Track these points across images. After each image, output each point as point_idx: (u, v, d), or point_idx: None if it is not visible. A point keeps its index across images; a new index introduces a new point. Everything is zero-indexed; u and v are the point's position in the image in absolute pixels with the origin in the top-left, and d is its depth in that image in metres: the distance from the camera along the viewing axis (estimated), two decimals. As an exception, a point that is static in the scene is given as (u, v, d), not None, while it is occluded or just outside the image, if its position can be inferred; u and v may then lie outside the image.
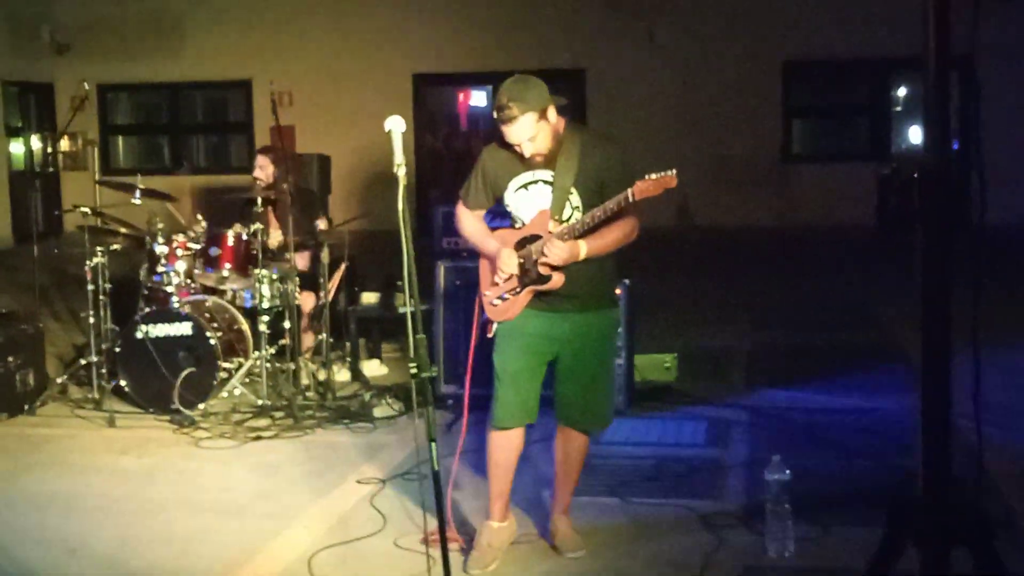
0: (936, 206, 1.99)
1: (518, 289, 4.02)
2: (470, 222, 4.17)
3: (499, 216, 4.29)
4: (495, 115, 3.89)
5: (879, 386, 6.63)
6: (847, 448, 5.40)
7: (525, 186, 4.01)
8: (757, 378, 6.89)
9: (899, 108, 15.45)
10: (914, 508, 2.07)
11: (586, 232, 3.87)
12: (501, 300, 4.07)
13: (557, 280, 3.94)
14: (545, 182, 3.97)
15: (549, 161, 3.95)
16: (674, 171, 3.73)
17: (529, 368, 4.05)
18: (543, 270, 3.94)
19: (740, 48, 14.43)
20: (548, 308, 4.01)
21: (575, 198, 3.94)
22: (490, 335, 4.16)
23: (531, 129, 3.85)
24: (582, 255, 3.88)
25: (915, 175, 1.99)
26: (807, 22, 14.22)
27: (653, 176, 3.74)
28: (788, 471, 4.09)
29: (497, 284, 4.07)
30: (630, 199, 3.75)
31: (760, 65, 14.49)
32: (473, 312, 5.01)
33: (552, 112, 3.90)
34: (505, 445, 4.11)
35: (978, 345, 2.06)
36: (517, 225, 4.08)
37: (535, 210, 3.99)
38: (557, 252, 3.85)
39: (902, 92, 15.50)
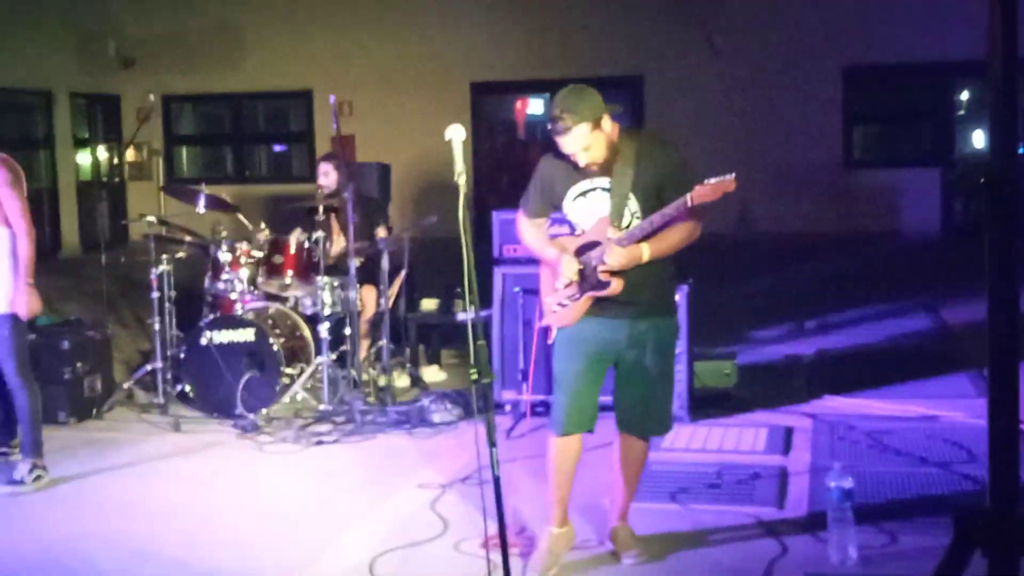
0: (1003, 211, 1.96)
1: (577, 295, 4.03)
2: (530, 231, 4.20)
3: (558, 222, 4.31)
4: (549, 126, 3.91)
5: (944, 393, 6.53)
6: (912, 456, 5.32)
7: (584, 194, 4.02)
8: (819, 385, 6.81)
9: (962, 112, 15.20)
10: (982, 517, 2.03)
11: (646, 236, 3.88)
12: (561, 306, 4.08)
13: (616, 286, 3.94)
14: (603, 189, 3.98)
15: (606, 168, 3.96)
16: (732, 175, 3.73)
17: (588, 375, 4.06)
18: (603, 276, 3.95)
19: (800, 54, 14.30)
20: (607, 315, 4.02)
21: (633, 204, 3.95)
22: (550, 341, 4.18)
23: (585, 139, 3.86)
24: (645, 257, 3.89)
25: (982, 180, 1.96)
26: (867, 27, 14.05)
27: (712, 181, 3.74)
28: (851, 478, 4.04)
29: (557, 290, 4.09)
30: (688, 204, 3.77)
31: (820, 71, 14.35)
32: (531, 318, 5.05)
33: (607, 121, 3.91)
34: (564, 452, 4.12)
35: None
36: (577, 232, 4.09)
37: (594, 217, 4.00)
38: (616, 257, 3.87)
39: (964, 96, 15.25)
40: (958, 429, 5.71)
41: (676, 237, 3.94)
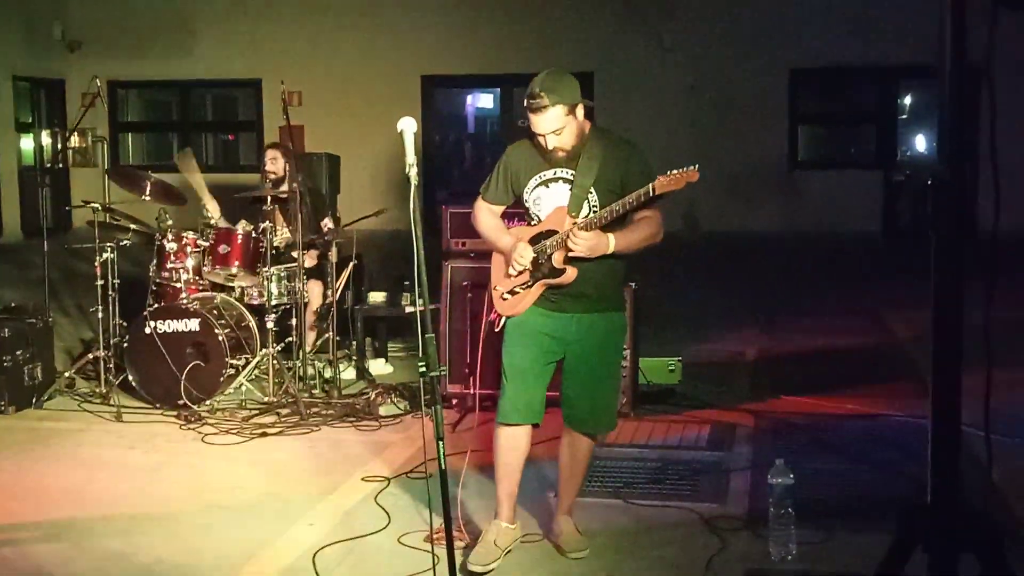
0: (949, 214, 2.00)
1: (530, 283, 4.04)
2: (486, 216, 4.20)
3: (515, 219, 4.33)
4: (525, 103, 3.91)
5: (884, 393, 6.65)
6: (851, 454, 5.42)
7: (546, 183, 4.04)
8: (761, 383, 6.90)
9: (905, 116, 15.47)
10: (924, 513, 2.08)
11: (610, 225, 3.89)
12: (511, 294, 4.09)
13: (570, 274, 3.96)
14: (565, 180, 4.00)
15: (571, 159, 3.98)
16: (696, 166, 3.77)
17: (535, 366, 4.07)
18: (557, 264, 3.96)
19: (748, 55, 14.46)
20: (556, 308, 4.04)
21: (593, 198, 3.96)
22: (497, 329, 4.18)
23: (558, 121, 3.88)
24: (611, 247, 3.89)
25: (928, 183, 2.01)
26: (814, 30, 14.25)
27: (674, 172, 3.78)
28: (792, 475, 4.11)
29: (509, 277, 4.10)
30: (651, 193, 3.80)
31: (767, 72, 14.53)
32: (480, 312, 5.04)
33: (580, 110, 3.93)
34: (511, 445, 4.12)
35: (990, 353, 2.07)
36: (533, 222, 4.10)
37: (552, 206, 4.02)
38: (583, 240, 3.85)
39: (908, 100, 15.52)
40: (897, 428, 5.82)
41: (641, 233, 3.96)
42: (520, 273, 4.04)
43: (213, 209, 7.17)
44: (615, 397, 4.28)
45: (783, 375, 7.16)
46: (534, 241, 4.03)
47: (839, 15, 14.08)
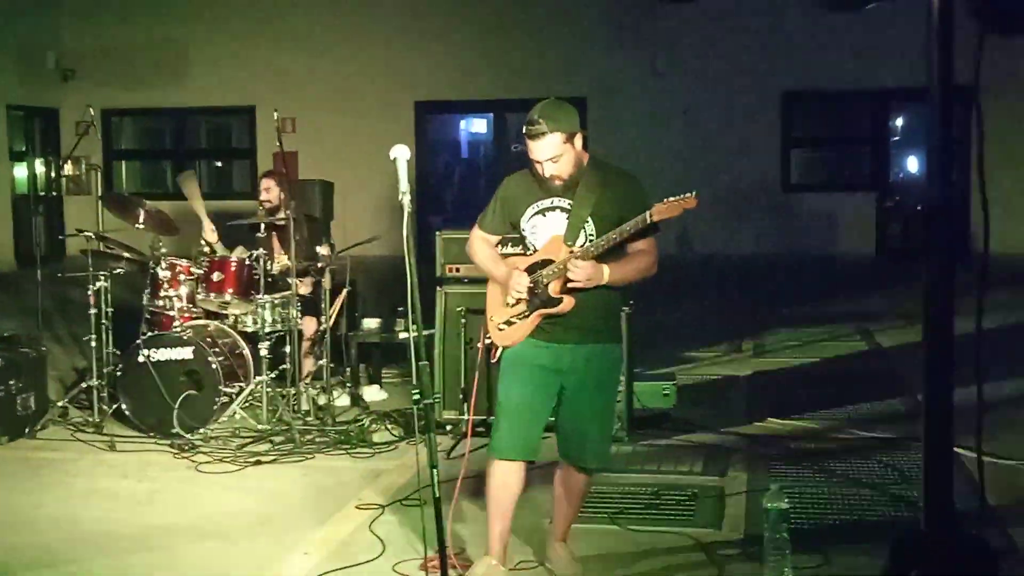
0: (940, 237, 2.01)
1: (527, 312, 4.01)
2: (482, 247, 4.19)
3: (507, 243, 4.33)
4: (524, 129, 3.91)
5: (878, 415, 6.66)
6: (846, 477, 5.41)
7: (543, 212, 4.02)
8: (756, 406, 6.89)
9: (897, 138, 15.55)
10: (918, 539, 2.08)
11: (605, 256, 3.88)
12: (508, 324, 4.07)
13: (567, 304, 3.94)
14: (563, 209, 3.98)
15: (569, 189, 3.96)
16: (694, 192, 3.76)
17: (532, 403, 4.02)
18: (554, 293, 3.94)
19: (740, 78, 14.53)
20: (552, 339, 4.00)
21: (590, 227, 3.94)
22: (494, 360, 4.15)
23: (556, 149, 3.87)
24: (605, 278, 3.87)
25: (919, 207, 2.02)
26: (806, 53, 14.33)
27: (671, 199, 3.77)
28: (787, 500, 4.09)
29: (506, 307, 4.07)
30: (648, 220, 3.79)
31: (760, 95, 14.60)
32: (474, 338, 5.04)
33: (579, 140, 3.93)
34: (504, 482, 4.04)
35: (980, 374, 2.08)
36: (529, 252, 4.08)
37: (549, 235, 4.00)
38: (581, 269, 3.83)
39: (899, 122, 15.60)
40: (892, 450, 5.81)
41: (635, 265, 3.95)
42: (517, 303, 4.02)
43: (211, 235, 7.17)
44: (610, 431, 4.22)
45: (777, 397, 7.15)
46: (530, 271, 4.01)
47: (831, 38, 14.16)
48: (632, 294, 6.23)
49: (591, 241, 3.92)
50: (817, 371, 8.15)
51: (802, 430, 6.36)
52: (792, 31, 14.36)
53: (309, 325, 7.02)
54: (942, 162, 2.11)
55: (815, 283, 12.40)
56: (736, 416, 6.68)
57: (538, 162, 3.92)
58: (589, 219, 3.94)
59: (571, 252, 3.91)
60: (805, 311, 10.65)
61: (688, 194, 3.77)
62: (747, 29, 14.50)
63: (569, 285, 3.89)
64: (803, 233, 14.44)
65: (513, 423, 4.01)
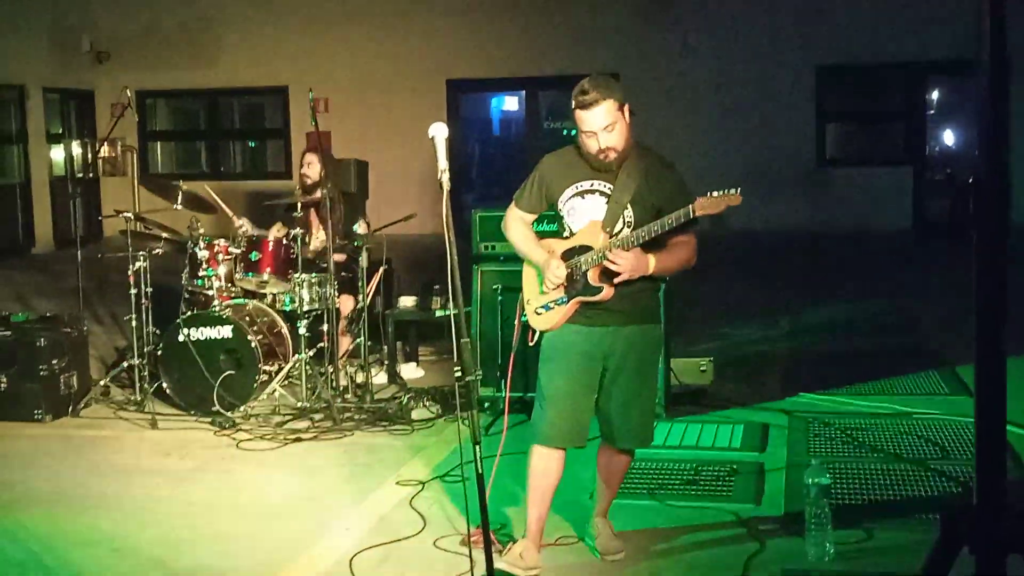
0: (992, 211, 1.98)
1: (565, 299, 3.97)
2: (518, 227, 4.12)
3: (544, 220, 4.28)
4: (574, 103, 3.84)
5: (918, 390, 6.62)
6: (887, 452, 5.38)
7: (582, 194, 3.96)
8: (793, 382, 6.86)
9: (932, 111, 15.36)
10: (970, 514, 2.06)
11: (647, 246, 3.82)
12: (546, 309, 4.02)
13: (607, 292, 3.88)
14: (602, 193, 3.91)
15: (610, 172, 3.90)
16: (738, 189, 3.68)
17: (577, 391, 3.97)
18: (593, 281, 3.90)
19: (774, 53, 14.39)
20: (591, 323, 3.96)
21: (629, 214, 3.88)
22: (531, 343, 4.12)
23: (610, 115, 3.81)
24: (651, 268, 3.81)
25: (970, 180, 1.99)
26: (840, 27, 14.17)
27: (715, 194, 3.68)
28: (828, 475, 4.08)
29: (543, 293, 4.02)
30: (691, 215, 3.71)
31: (794, 70, 14.46)
32: (511, 316, 5.04)
33: (627, 112, 3.88)
34: (545, 469, 4.02)
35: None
36: (565, 234, 4.03)
37: (587, 219, 3.95)
38: (625, 260, 3.76)
39: (935, 95, 15.41)
40: (932, 426, 5.77)
41: (679, 257, 3.89)
42: (555, 289, 3.96)
43: (249, 227, 7.19)
44: (651, 414, 4.18)
45: (815, 373, 7.11)
46: (567, 255, 3.95)
47: (864, 11, 14.00)
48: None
49: (629, 227, 3.87)
50: (854, 346, 8.10)
51: (841, 405, 6.32)
52: (825, 4, 14.19)
53: (346, 304, 7.05)
54: (995, 134, 2.07)
55: (851, 257, 12.30)
56: (774, 392, 6.65)
57: (591, 133, 3.83)
58: (629, 206, 3.88)
59: (610, 239, 3.85)
60: (841, 286, 10.57)
61: (732, 190, 3.68)
62: (780, 3, 14.35)
63: (615, 279, 3.81)
64: (838, 207, 14.31)
65: (558, 412, 3.97)
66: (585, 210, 3.95)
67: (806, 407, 6.28)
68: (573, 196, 3.97)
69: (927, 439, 5.53)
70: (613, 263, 3.78)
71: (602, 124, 3.82)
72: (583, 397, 4.00)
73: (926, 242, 13.32)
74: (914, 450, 5.39)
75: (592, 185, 3.94)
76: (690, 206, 3.71)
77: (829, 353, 7.89)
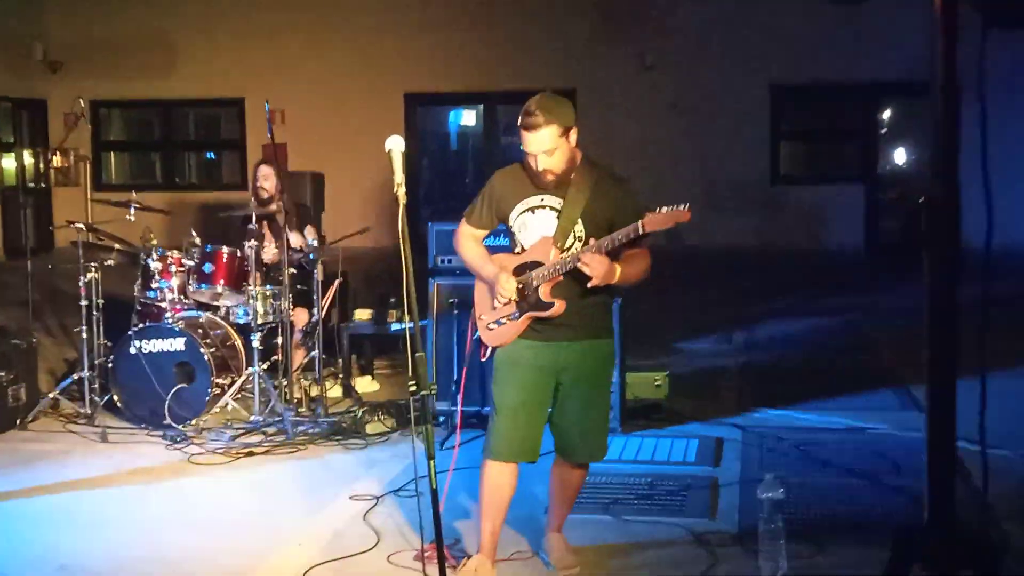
0: (943, 230, 2.01)
1: (516, 314, 3.97)
2: (469, 243, 4.13)
3: (494, 235, 4.28)
4: (520, 122, 3.86)
5: (870, 406, 6.67)
6: (840, 467, 5.42)
7: (532, 209, 3.97)
8: (747, 397, 6.92)
9: (884, 130, 15.59)
10: (921, 532, 2.08)
11: (608, 256, 3.81)
12: (498, 324, 4.02)
13: (559, 307, 3.89)
14: (552, 208, 3.93)
15: (560, 187, 3.92)
16: (686, 205, 3.67)
17: (529, 404, 3.97)
18: (544, 296, 3.90)
19: (729, 70, 14.52)
20: (543, 338, 3.96)
21: (580, 229, 3.89)
22: (483, 359, 4.11)
23: (551, 142, 3.82)
24: (617, 276, 3.81)
25: (920, 200, 2.02)
26: (795, 46, 14.33)
27: (664, 210, 3.68)
28: (781, 490, 4.10)
29: (495, 308, 4.02)
30: (640, 230, 3.70)
31: (748, 88, 14.59)
32: (466, 329, 5.03)
33: (573, 136, 3.89)
34: (498, 483, 4.02)
35: (984, 369, 2.08)
36: (516, 250, 4.04)
37: (537, 235, 3.95)
38: (599, 264, 3.73)
39: (887, 115, 15.63)
40: (884, 441, 5.84)
41: (638, 267, 3.89)
42: (506, 304, 3.96)
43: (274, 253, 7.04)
44: (605, 428, 4.17)
45: (769, 388, 7.17)
46: (519, 271, 3.95)
47: (820, 31, 14.16)
48: (621, 287, 6.22)
49: (580, 242, 3.87)
50: (808, 363, 8.17)
51: (794, 420, 6.37)
52: (781, 24, 14.35)
53: (300, 316, 7.01)
54: (946, 155, 2.11)
55: (804, 275, 12.42)
56: (728, 406, 6.69)
57: (532, 155, 3.87)
58: (579, 220, 3.90)
59: (561, 255, 3.85)
60: (795, 303, 10.67)
61: (681, 206, 3.67)
62: (737, 22, 14.49)
63: (589, 283, 3.79)
64: (791, 225, 14.45)
65: (510, 426, 3.97)
66: (536, 226, 3.96)
67: (760, 422, 6.33)
68: (524, 212, 3.98)
69: (879, 454, 5.58)
70: (587, 265, 3.74)
71: (542, 148, 3.84)
72: (535, 412, 4.00)
73: (878, 260, 13.48)
74: (866, 465, 5.42)
75: (542, 201, 3.95)
76: (639, 222, 3.70)
77: (782, 369, 7.96)
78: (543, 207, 3.96)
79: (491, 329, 4.04)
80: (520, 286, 3.94)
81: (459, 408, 5.01)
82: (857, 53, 13.96)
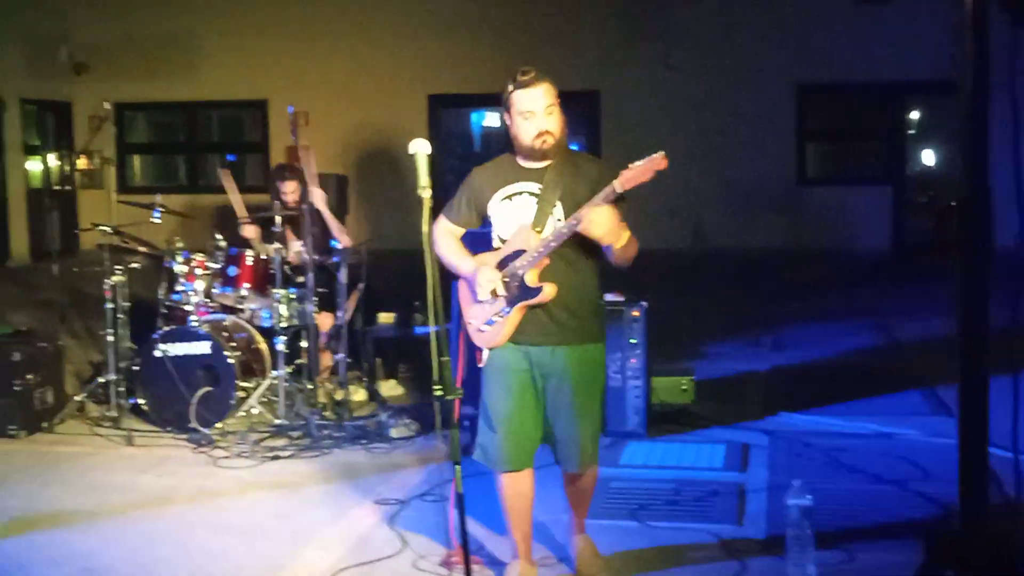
0: (975, 232, 1.98)
1: (507, 309, 3.87)
2: (447, 240, 4.02)
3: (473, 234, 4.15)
4: (511, 87, 3.83)
5: (898, 411, 6.60)
6: (868, 473, 5.37)
7: (510, 197, 3.91)
8: (774, 401, 6.85)
9: (912, 131, 15.48)
10: (953, 538, 2.05)
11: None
12: (488, 325, 3.92)
13: (549, 290, 3.80)
14: (531, 194, 3.87)
15: (537, 174, 3.87)
16: (661, 153, 3.62)
17: (520, 410, 3.92)
18: (532, 283, 3.80)
19: (754, 71, 14.46)
20: (531, 342, 3.89)
21: (559, 211, 3.82)
22: (480, 364, 4.00)
23: (550, 97, 3.80)
24: (626, 234, 3.71)
25: (952, 203, 1.98)
26: (821, 46, 14.25)
27: (638, 163, 3.63)
28: (810, 496, 4.06)
29: (482, 307, 3.92)
30: (616, 189, 3.64)
31: (774, 88, 14.52)
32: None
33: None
34: (515, 492, 4.00)
35: (1017, 372, 2.05)
36: (495, 244, 3.96)
37: (515, 224, 3.88)
38: (603, 215, 3.64)
39: (915, 115, 15.53)
40: (913, 447, 5.78)
41: (632, 243, 3.79)
42: (495, 300, 3.88)
43: (249, 231, 7.12)
44: (597, 432, 4.06)
45: (796, 392, 7.11)
46: (502, 265, 3.88)
47: (846, 31, 14.08)
48: (647, 288, 6.20)
49: (559, 225, 3.79)
50: (836, 366, 8.10)
51: (822, 425, 6.31)
52: (807, 23, 14.28)
53: (325, 320, 7.00)
54: (976, 158, 2.07)
55: (831, 277, 12.34)
56: (755, 411, 6.63)
57: (531, 113, 3.81)
58: (558, 203, 3.82)
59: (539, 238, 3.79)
60: (821, 305, 10.60)
61: (655, 155, 3.63)
62: (761, 22, 14.43)
63: (601, 239, 3.68)
64: (817, 227, 14.37)
65: (508, 434, 3.93)
66: (514, 213, 3.89)
67: (787, 427, 6.27)
68: (502, 200, 3.92)
69: (908, 460, 5.53)
70: (592, 222, 3.64)
71: (544, 104, 3.80)
72: (527, 418, 3.94)
73: (905, 262, 13.38)
74: (895, 471, 5.37)
75: (520, 187, 3.90)
76: (614, 182, 3.64)
77: (810, 372, 7.89)
78: (520, 194, 3.90)
79: (483, 331, 3.95)
80: (505, 279, 3.85)
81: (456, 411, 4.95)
82: (883, 52, 13.87)
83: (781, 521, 4.19)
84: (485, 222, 4.03)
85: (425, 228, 3.54)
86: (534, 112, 3.81)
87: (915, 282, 11.31)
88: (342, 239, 7.03)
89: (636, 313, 6.04)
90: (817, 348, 8.69)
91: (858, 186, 14.70)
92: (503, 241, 3.93)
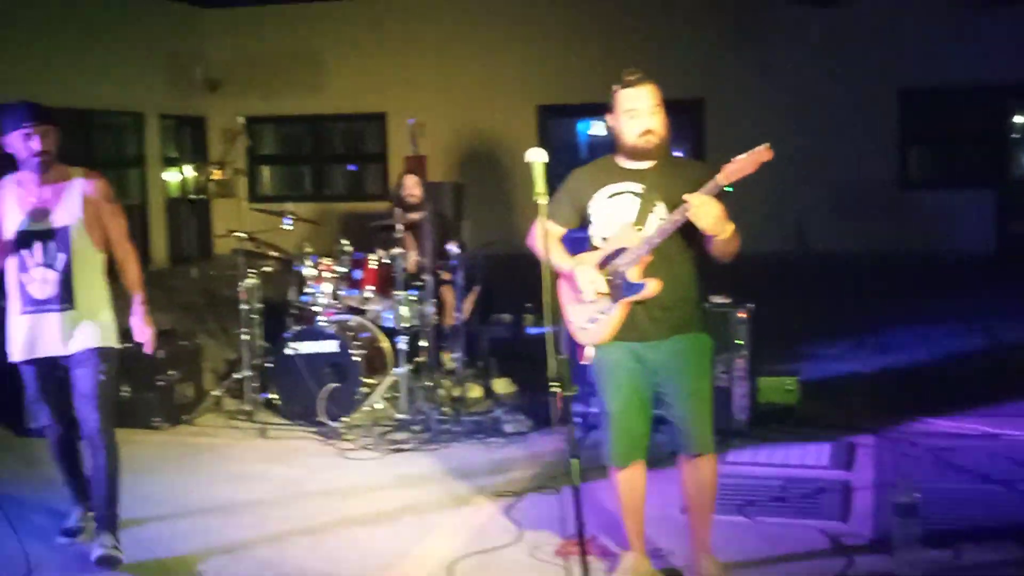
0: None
1: (611, 306, 3.90)
2: (548, 240, 3.86)
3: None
4: (622, 85, 3.89)
5: (1004, 412, 6.53)
6: (975, 472, 5.37)
7: (612, 197, 3.94)
8: (878, 402, 6.84)
9: (1016, 135, 15.06)
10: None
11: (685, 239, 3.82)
12: (591, 323, 3.96)
13: (653, 286, 3.84)
14: (634, 193, 3.90)
15: (640, 173, 3.91)
16: (766, 144, 3.63)
17: (630, 405, 4.00)
18: (635, 279, 3.84)
19: (856, 76, 14.29)
20: (637, 338, 3.94)
21: (661, 210, 3.86)
22: (583, 361, 4.05)
23: (656, 97, 3.87)
24: (731, 228, 3.72)
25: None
26: (924, 49, 14.02)
27: (740, 157, 3.65)
28: (917, 494, 4.09)
29: (584, 305, 3.95)
30: (720, 183, 3.66)
31: (877, 92, 14.34)
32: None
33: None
34: (628, 487, 4.11)
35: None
36: (596, 242, 4.01)
37: (617, 222, 3.92)
38: (709, 206, 3.64)
39: (1019, 119, 15.11)
40: (1020, 447, 5.75)
41: (735, 238, 3.80)
42: (598, 299, 3.91)
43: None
44: (710, 418, 4.03)
45: (901, 394, 7.09)
46: (604, 263, 3.91)
47: (949, 35, 13.84)
48: (752, 291, 6.29)
49: (661, 223, 3.81)
50: (940, 368, 8.03)
51: (928, 426, 6.29)
52: (909, 27, 14.07)
53: (449, 302, 7.26)
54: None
55: (934, 280, 12.13)
56: (860, 412, 6.63)
57: (638, 111, 3.86)
58: (660, 202, 3.85)
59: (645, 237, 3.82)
60: (924, 308, 10.44)
61: (759, 147, 3.63)
62: (864, 26, 14.26)
63: (708, 231, 3.68)
64: (921, 230, 14.13)
65: (619, 430, 4.04)
66: (615, 212, 3.93)
67: (892, 427, 6.26)
68: (603, 200, 3.96)
69: (1015, 460, 5.51)
70: (698, 210, 3.64)
71: (651, 103, 3.88)
72: (635, 414, 4.03)
73: (1009, 265, 13.07)
74: (1002, 471, 5.36)
75: (622, 187, 3.93)
76: (716, 176, 3.66)
77: (914, 374, 7.82)
78: (622, 193, 3.93)
79: (586, 328, 3.99)
80: (608, 277, 3.89)
81: (557, 405, 5.05)
82: (987, 56, 13.59)
83: (888, 519, 4.25)
84: (584, 222, 4.07)
85: (541, 232, 3.66)
86: (639, 110, 3.87)
87: (1018, 285, 11.07)
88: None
89: (742, 315, 6.16)
90: (921, 351, 8.59)
91: (961, 190, 14.40)
92: (604, 240, 3.98)
